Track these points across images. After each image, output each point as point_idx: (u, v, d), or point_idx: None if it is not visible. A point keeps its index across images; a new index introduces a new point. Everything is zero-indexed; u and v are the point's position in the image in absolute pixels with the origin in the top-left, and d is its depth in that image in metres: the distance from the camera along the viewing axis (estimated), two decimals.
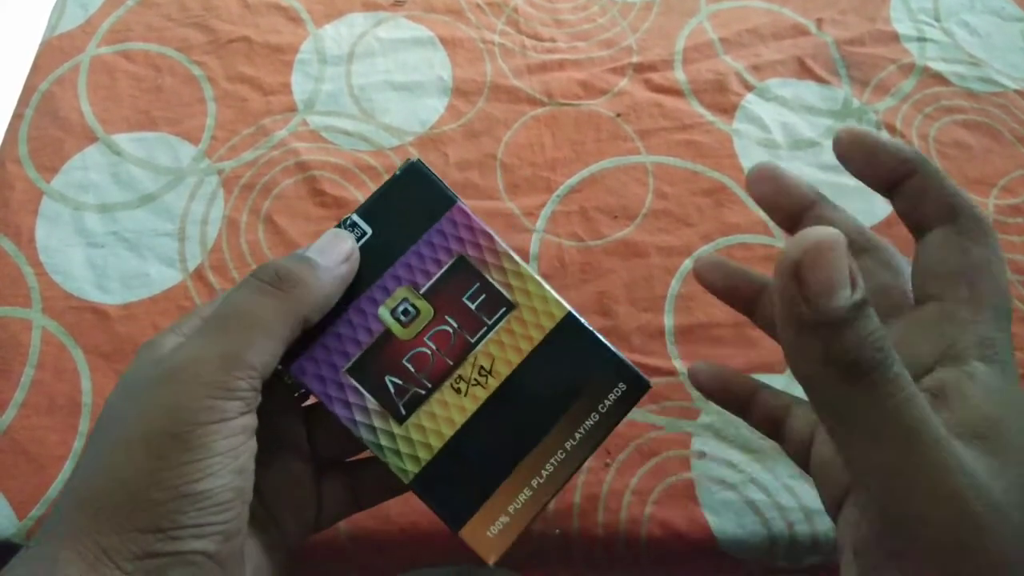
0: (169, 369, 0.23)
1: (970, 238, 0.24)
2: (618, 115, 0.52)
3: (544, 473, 0.27)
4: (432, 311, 0.28)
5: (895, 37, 0.56)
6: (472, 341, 0.27)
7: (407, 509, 0.38)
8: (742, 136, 0.51)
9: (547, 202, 0.48)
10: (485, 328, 0.28)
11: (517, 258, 0.28)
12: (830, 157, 0.50)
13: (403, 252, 0.28)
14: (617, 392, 0.27)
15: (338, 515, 0.30)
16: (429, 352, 0.27)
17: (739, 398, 0.29)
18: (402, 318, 0.27)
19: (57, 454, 0.39)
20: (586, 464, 0.40)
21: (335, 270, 0.26)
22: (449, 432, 0.27)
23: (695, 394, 0.42)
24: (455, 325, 0.28)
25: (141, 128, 0.50)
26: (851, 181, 0.53)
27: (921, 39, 0.56)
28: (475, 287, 0.28)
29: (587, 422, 0.27)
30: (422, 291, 0.28)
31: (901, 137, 0.51)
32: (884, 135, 0.28)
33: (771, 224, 0.47)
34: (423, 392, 0.27)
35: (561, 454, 0.27)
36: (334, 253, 0.26)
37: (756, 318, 0.30)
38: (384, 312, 0.27)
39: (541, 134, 0.51)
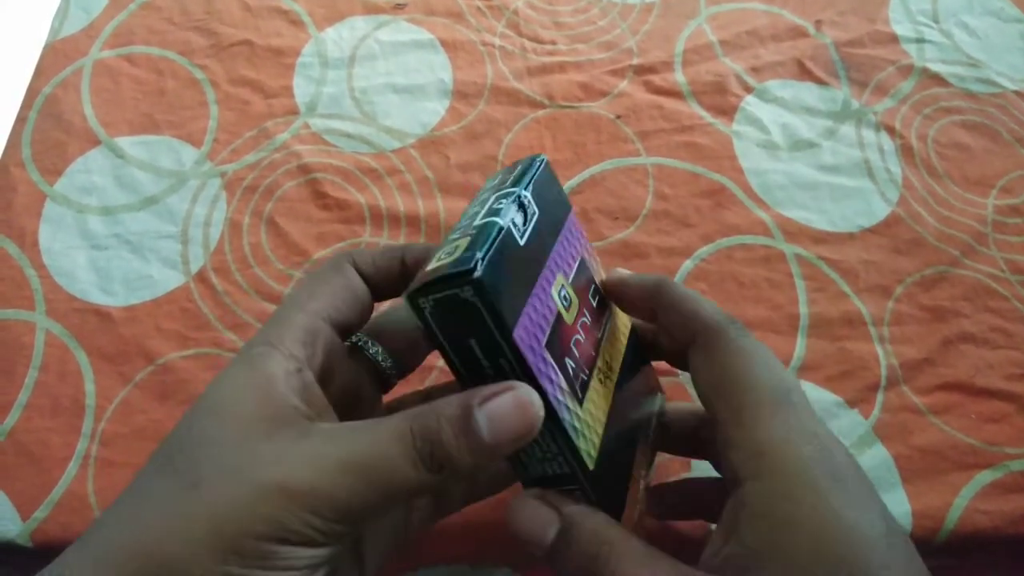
0: (290, 484, 0.21)
1: (711, 351, 0.25)
2: (618, 117, 0.52)
3: (645, 461, 0.29)
4: (578, 302, 0.27)
5: (894, 38, 0.56)
6: (599, 337, 0.28)
7: None
8: (742, 137, 0.51)
9: None
10: (603, 326, 0.29)
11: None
12: (829, 158, 0.51)
13: (555, 241, 0.27)
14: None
15: (426, 524, 0.29)
16: (583, 340, 0.26)
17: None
18: (563, 303, 0.26)
19: (60, 456, 0.39)
20: None
21: (494, 454, 0.22)
22: (603, 419, 0.26)
23: (695, 394, 0.42)
24: (589, 320, 0.27)
25: (144, 131, 0.50)
26: (850, 182, 0.54)
27: (920, 40, 0.56)
28: (592, 288, 0.29)
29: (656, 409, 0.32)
30: (571, 280, 0.27)
31: (900, 138, 0.51)
32: (634, 276, 0.29)
33: (771, 224, 0.47)
34: (586, 378, 0.26)
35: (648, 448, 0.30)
36: (510, 432, 0.22)
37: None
38: (555, 293, 0.26)
39: (542, 136, 0.51)
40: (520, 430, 0.22)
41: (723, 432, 0.24)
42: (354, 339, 0.29)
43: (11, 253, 0.45)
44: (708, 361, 0.25)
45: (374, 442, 0.22)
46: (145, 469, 0.22)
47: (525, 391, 0.22)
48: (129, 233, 0.46)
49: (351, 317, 0.27)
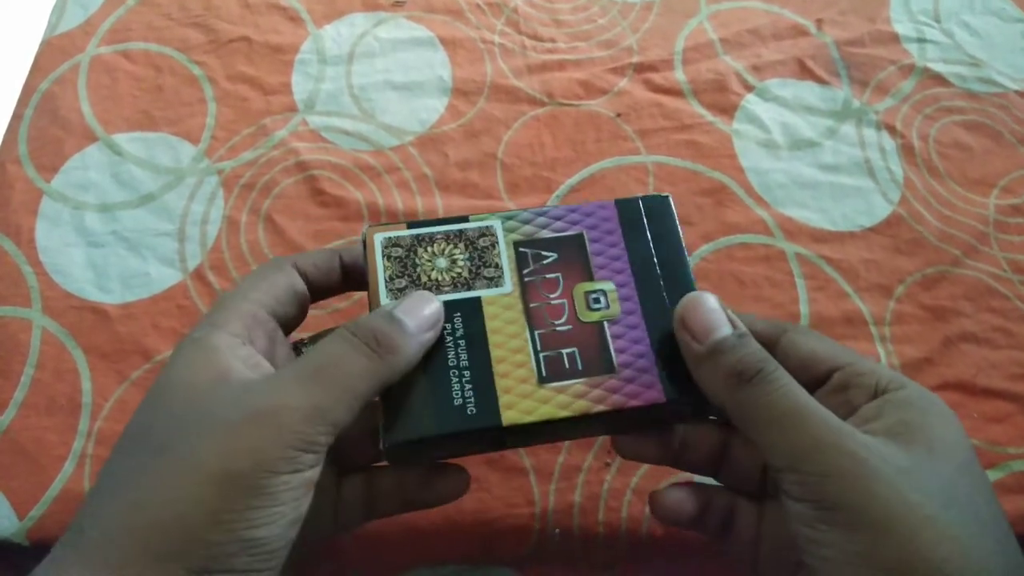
0: (256, 411, 0.22)
1: (801, 334, 0.29)
2: (618, 115, 0.52)
3: None
4: None
5: (895, 38, 0.56)
6: None
7: None
8: (742, 136, 0.51)
9: (547, 201, 0.48)
10: None
11: None
12: (830, 157, 0.50)
13: None
14: None
15: (353, 523, 0.30)
16: None
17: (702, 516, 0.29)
18: None
19: (57, 454, 0.39)
20: (587, 464, 0.40)
21: (422, 337, 0.26)
22: None
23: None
24: None
25: (141, 128, 0.50)
26: (850, 181, 0.54)
27: (921, 40, 0.56)
28: None
29: None
30: None
31: (901, 138, 0.51)
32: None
33: (771, 223, 0.47)
34: None
35: None
36: (422, 319, 0.26)
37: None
38: None
39: (541, 134, 0.51)
40: (431, 318, 0.27)
41: (851, 371, 0.27)
42: (297, 341, 0.30)
43: (7, 250, 0.45)
44: (806, 339, 0.28)
45: (321, 350, 0.24)
46: (112, 459, 0.23)
47: (421, 292, 0.28)
48: (126, 230, 0.46)
49: (290, 312, 0.29)
